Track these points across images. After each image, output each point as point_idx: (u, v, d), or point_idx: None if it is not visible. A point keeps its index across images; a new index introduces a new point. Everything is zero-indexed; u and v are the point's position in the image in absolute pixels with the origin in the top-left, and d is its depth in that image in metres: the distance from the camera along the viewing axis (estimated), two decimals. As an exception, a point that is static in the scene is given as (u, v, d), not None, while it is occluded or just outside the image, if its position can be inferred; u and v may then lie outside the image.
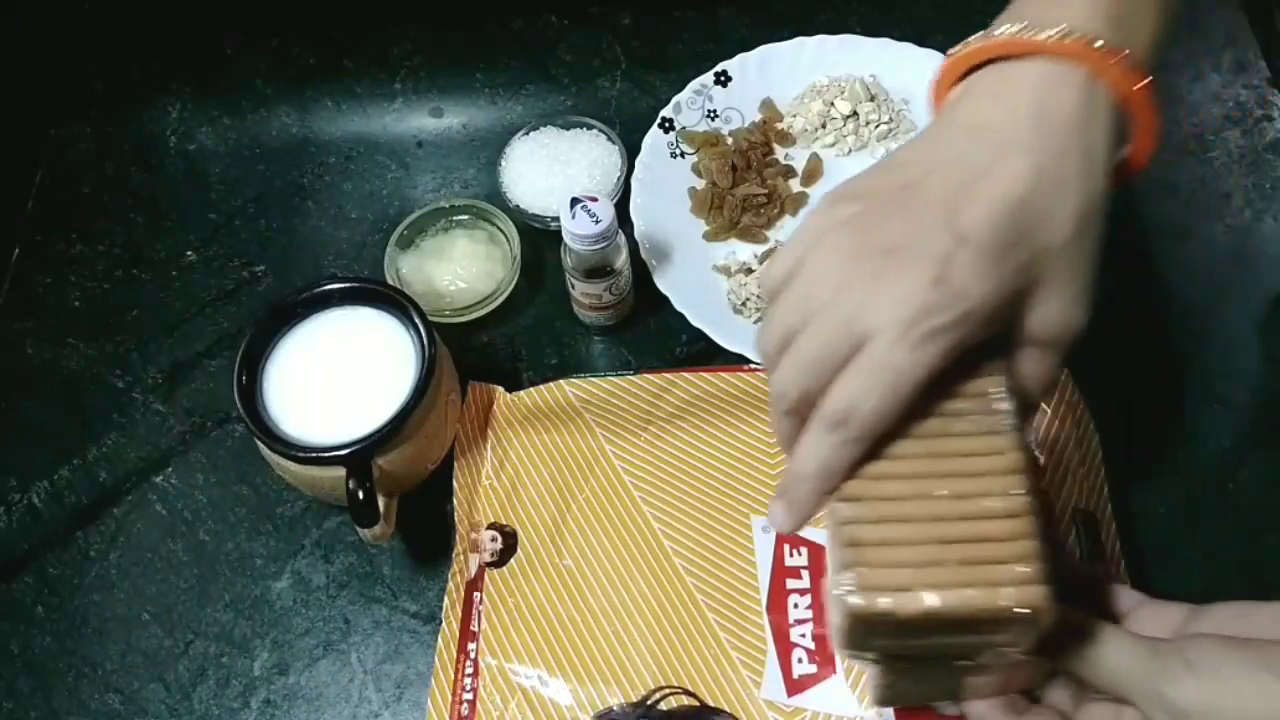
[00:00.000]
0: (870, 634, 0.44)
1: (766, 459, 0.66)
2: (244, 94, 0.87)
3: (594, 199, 0.66)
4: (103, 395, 0.74)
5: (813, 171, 0.80)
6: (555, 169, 0.78)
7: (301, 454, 0.61)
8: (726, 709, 0.60)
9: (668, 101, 0.80)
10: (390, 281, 0.73)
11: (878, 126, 0.80)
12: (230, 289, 0.78)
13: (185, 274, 0.79)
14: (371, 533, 0.61)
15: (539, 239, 0.77)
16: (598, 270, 0.69)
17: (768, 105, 0.82)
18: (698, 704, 0.60)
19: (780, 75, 0.82)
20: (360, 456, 0.60)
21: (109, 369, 0.75)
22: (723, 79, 0.82)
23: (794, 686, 0.61)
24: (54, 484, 0.71)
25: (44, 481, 0.71)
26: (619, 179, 0.78)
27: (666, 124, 0.80)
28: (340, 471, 0.60)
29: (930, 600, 0.42)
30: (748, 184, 0.77)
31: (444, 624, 0.63)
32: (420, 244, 0.76)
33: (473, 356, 0.73)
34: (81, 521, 0.70)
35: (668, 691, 0.60)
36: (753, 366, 0.70)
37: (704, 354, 0.72)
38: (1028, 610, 0.42)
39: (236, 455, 0.71)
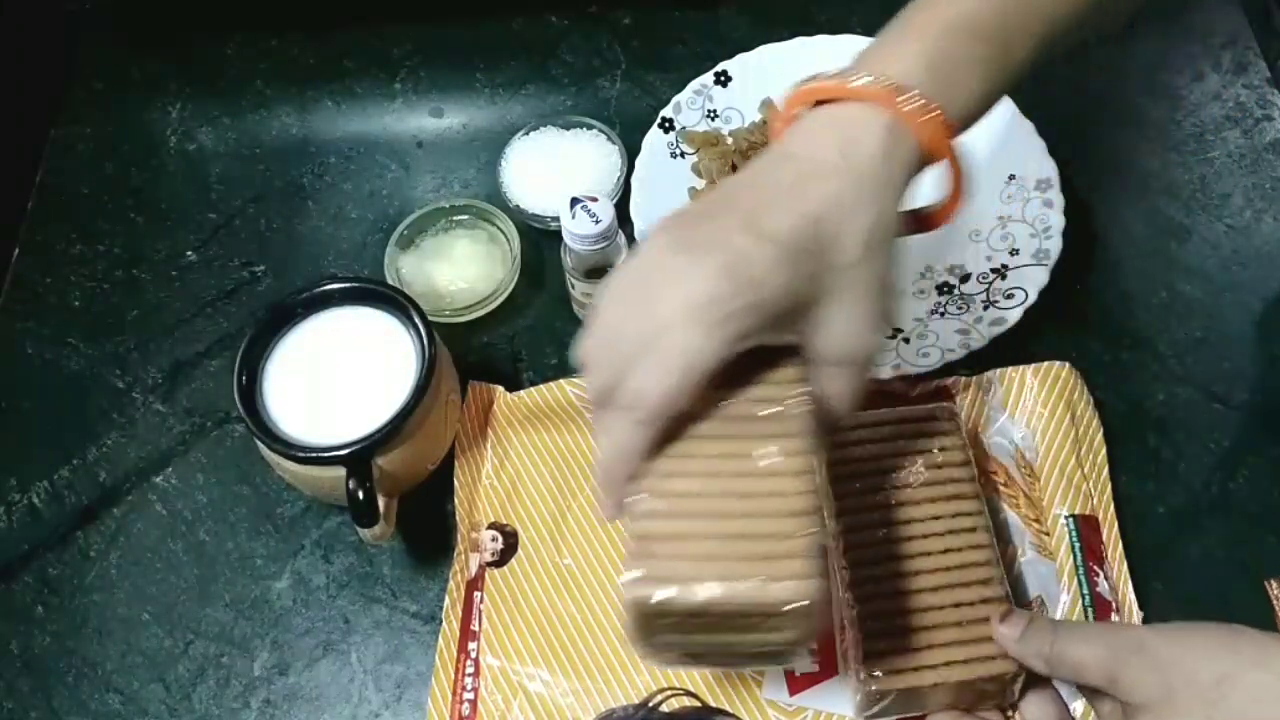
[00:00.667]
0: (654, 628, 0.46)
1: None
2: (244, 94, 0.87)
3: (594, 199, 0.66)
4: (103, 395, 0.74)
5: None
6: (555, 169, 0.78)
7: (301, 454, 0.60)
8: (728, 709, 0.60)
9: (668, 101, 0.80)
10: (390, 281, 0.73)
11: None
12: (230, 289, 0.78)
13: (185, 274, 0.79)
14: (371, 533, 0.61)
15: (539, 239, 0.77)
16: (598, 270, 0.69)
17: (768, 105, 0.82)
18: (699, 704, 0.59)
19: (780, 75, 0.82)
20: (360, 456, 0.60)
21: (109, 369, 0.75)
22: (723, 79, 0.82)
23: (796, 685, 0.61)
24: (54, 484, 0.71)
25: (44, 481, 0.71)
26: (619, 179, 0.77)
27: (666, 124, 0.80)
28: (340, 471, 0.60)
29: (705, 592, 0.44)
30: None
31: (444, 624, 0.63)
32: (420, 244, 0.76)
33: (473, 356, 0.73)
34: (81, 521, 0.70)
35: (669, 692, 0.60)
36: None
37: (704, 354, 0.72)
38: (798, 604, 0.44)
39: (236, 455, 0.71)
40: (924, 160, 0.51)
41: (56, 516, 0.70)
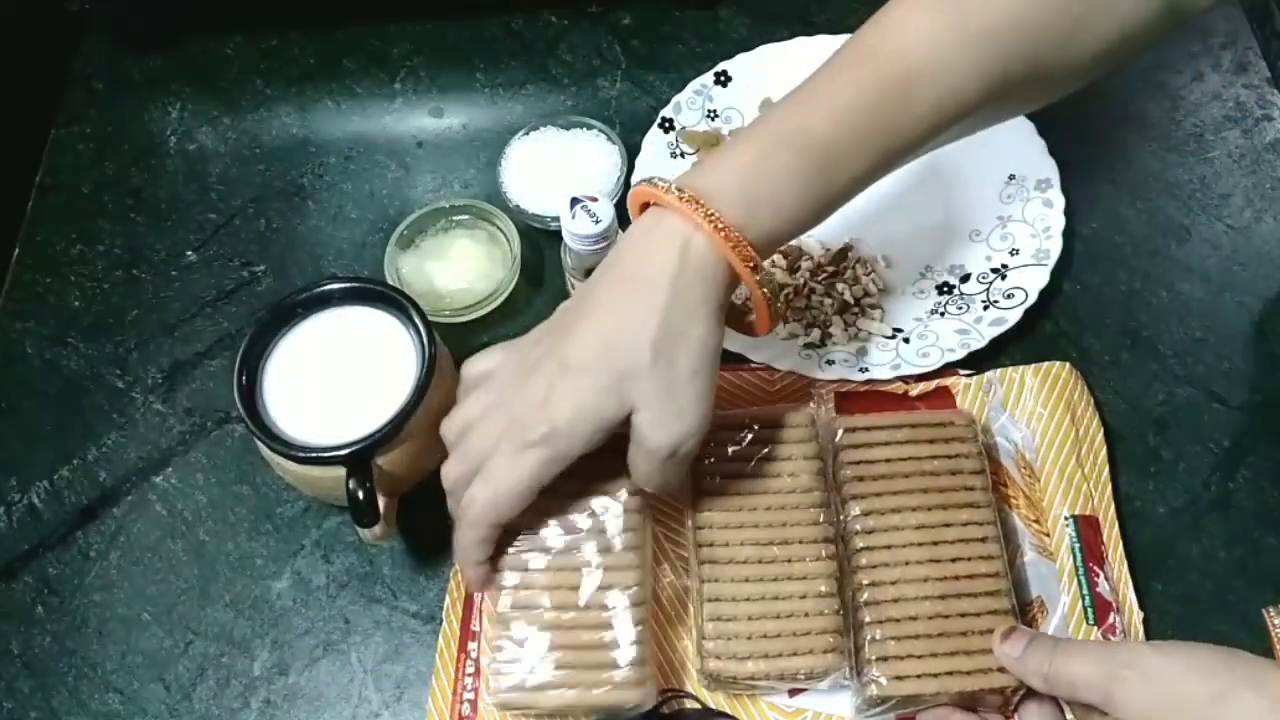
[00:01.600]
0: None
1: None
2: (244, 94, 0.87)
3: (594, 199, 0.66)
4: (103, 395, 0.74)
5: None
6: (555, 169, 0.78)
7: (301, 454, 0.60)
8: (728, 711, 0.60)
9: (668, 101, 0.80)
10: (390, 281, 0.73)
11: None
12: (230, 289, 0.78)
13: (185, 274, 0.79)
14: (371, 533, 0.61)
15: (539, 239, 0.77)
16: (598, 270, 0.69)
17: (768, 105, 0.82)
18: (700, 707, 0.60)
19: (780, 75, 0.82)
20: (360, 456, 0.60)
21: (109, 369, 0.75)
22: (723, 79, 0.82)
23: (795, 688, 0.61)
24: (54, 484, 0.71)
25: (44, 481, 0.71)
26: (619, 179, 0.77)
27: (666, 124, 0.80)
28: (340, 471, 0.60)
29: (554, 698, 0.56)
30: None
31: (445, 623, 0.63)
32: (420, 244, 0.76)
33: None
34: (81, 521, 0.70)
35: (670, 694, 0.60)
36: (753, 366, 0.70)
37: (704, 354, 0.72)
38: (635, 705, 0.56)
39: (236, 455, 0.71)
40: (726, 272, 0.53)
41: (56, 516, 0.70)
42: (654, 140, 0.79)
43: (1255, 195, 0.77)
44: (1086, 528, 0.64)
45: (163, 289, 0.78)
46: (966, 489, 0.61)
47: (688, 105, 0.80)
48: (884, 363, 0.70)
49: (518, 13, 0.89)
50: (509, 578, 0.58)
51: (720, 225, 0.52)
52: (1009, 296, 0.71)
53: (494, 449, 0.54)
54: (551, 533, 0.59)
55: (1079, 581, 0.62)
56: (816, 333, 0.72)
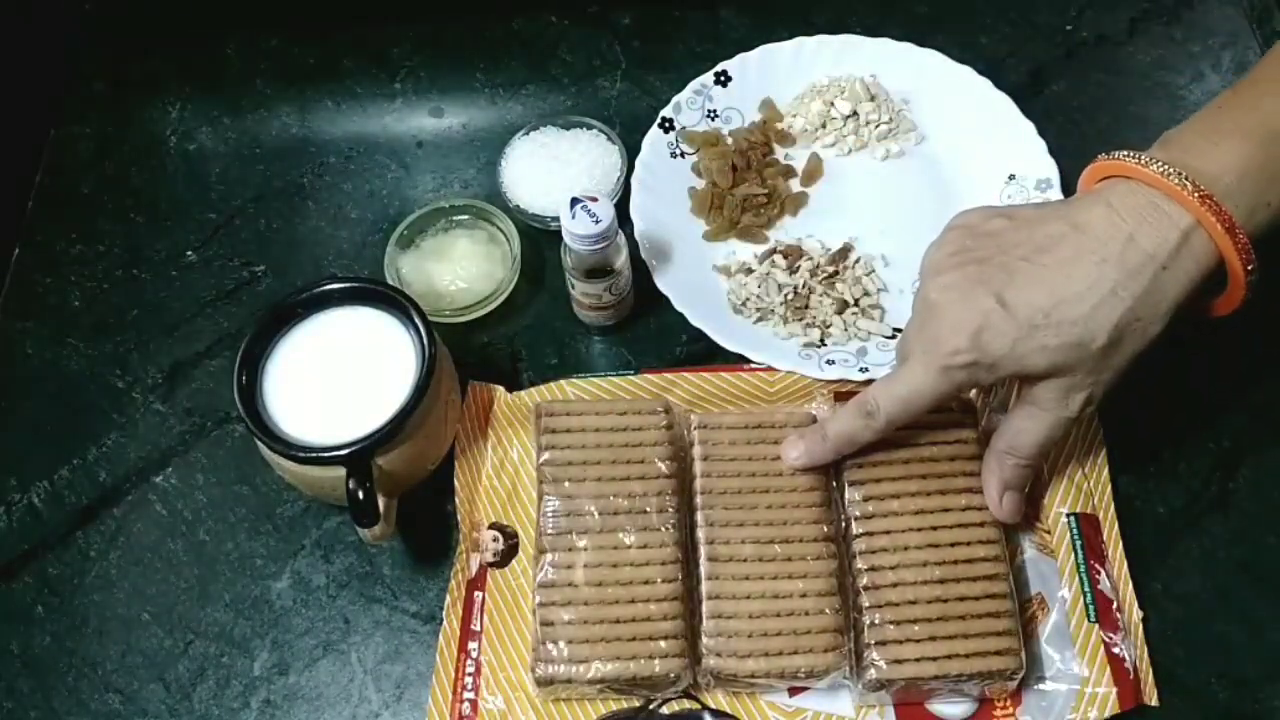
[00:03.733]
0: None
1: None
2: (244, 94, 0.87)
3: (594, 199, 0.66)
4: (103, 395, 0.74)
5: (813, 171, 0.79)
6: (555, 169, 0.78)
7: (301, 454, 0.60)
8: (728, 710, 0.60)
9: (668, 101, 0.80)
10: (390, 281, 0.73)
11: (878, 126, 0.80)
12: (230, 289, 0.78)
13: (185, 274, 0.79)
14: (371, 533, 0.61)
15: (539, 239, 0.77)
16: (598, 270, 0.69)
17: (768, 105, 0.82)
18: (699, 706, 0.60)
19: (780, 75, 0.82)
20: (360, 456, 0.60)
21: (109, 369, 0.75)
22: (723, 79, 0.81)
23: (795, 687, 0.61)
24: (54, 484, 0.71)
25: (44, 481, 0.71)
26: (619, 179, 0.77)
27: (666, 124, 0.80)
28: (340, 471, 0.60)
29: (599, 670, 0.57)
30: (748, 184, 0.77)
31: (445, 623, 0.63)
32: (420, 244, 0.76)
33: (473, 356, 0.73)
34: (81, 521, 0.70)
35: (670, 694, 0.60)
36: (753, 366, 0.70)
37: (704, 354, 0.72)
38: (675, 676, 0.58)
39: (236, 455, 0.71)
40: (1214, 270, 0.53)
41: (56, 516, 0.70)
42: (654, 140, 0.79)
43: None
44: (1087, 525, 0.64)
45: (163, 289, 0.78)
46: (965, 474, 0.61)
47: (688, 105, 0.80)
48: (884, 363, 0.70)
49: (518, 13, 0.89)
50: (552, 556, 0.60)
51: (1230, 226, 0.51)
52: None
53: (909, 352, 0.57)
54: (593, 511, 0.61)
55: (1080, 578, 0.62)
56: (816, 333, 0.72)
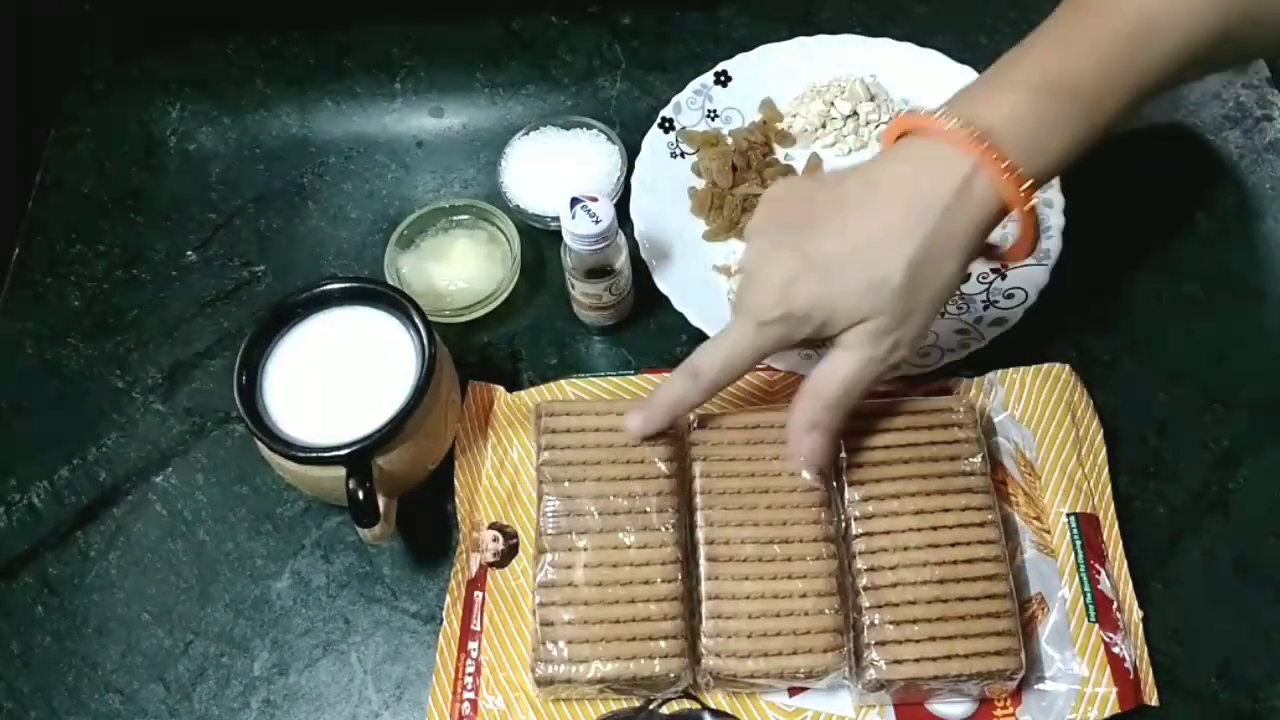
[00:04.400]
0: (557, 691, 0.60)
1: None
2: (244, 94, 0.87)
3: (594, 199, 0.66)
4: (103, 395, 0.74)
5: (813, 171, 0.79)
6: (555, 169, 0.78)
7: (301, 454, 0.60)
8: (728, 710, 0.60)
9: (668, 101, 0.80)
10: (390, 281, 0.73)
11: (877, 126, 0.80)
12: (230, 289, 0.78)
13: (185, 274, 0.79)
14: (371, 533, 0.61)
15: (539, 239, 0.77)
16: (598, 270, 0.69)
17: (768, 105, 0.82)
18: (699, 706, 0.59)
19: (780, 75, 0.82)
20: (360, 456, 0.60)
21: (109, 369, 0.75)
22: (723, 79, 0.81)
23: (795, 687, 0.61)
24: (54, 484, 0.71)
25: (44, 481, 0.71)
26: (619, 179, 0.77)
27: (666, 124, 0.80)
28: (340, 471, 0.60)
29: (600, 669, 0.57)
30: (747, 184, 0.77)
31: (445, 623, 0.63)
32: (420, 244, 0.76)
33: (473, 356, 0.73)
34: (81, 521, 0.70)
35: (670, 694, 0.60)
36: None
37: (704, 354, 0.72)
38: (675, 676, 0.58)
39: (236, 455, 0.71)
40: (999, 210, 0.55)
41: (56, 516, 0.70)
42: (654, 140, 0.79)
43: (1255, 195, 0.77)
44: (1087, 525, 0.64)
45: (163, 289, 0.78)
46: (965, 474, 0.61)
47: (688, 105, 0.80)
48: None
49: (518, 13, 0.89)
50: (552, 556, 0.60)
51: (1008, 166, 0.54)
52: (1009, 296, 0.71)
53: (734, 313, 0.59)
54: (593, 511, 0.61)
55: (1080, 578, 0.62)
56: None
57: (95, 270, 0.79)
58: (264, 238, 0.80)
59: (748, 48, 0.82)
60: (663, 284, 0.72)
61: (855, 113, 0.80)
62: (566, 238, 0.67)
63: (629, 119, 0.82)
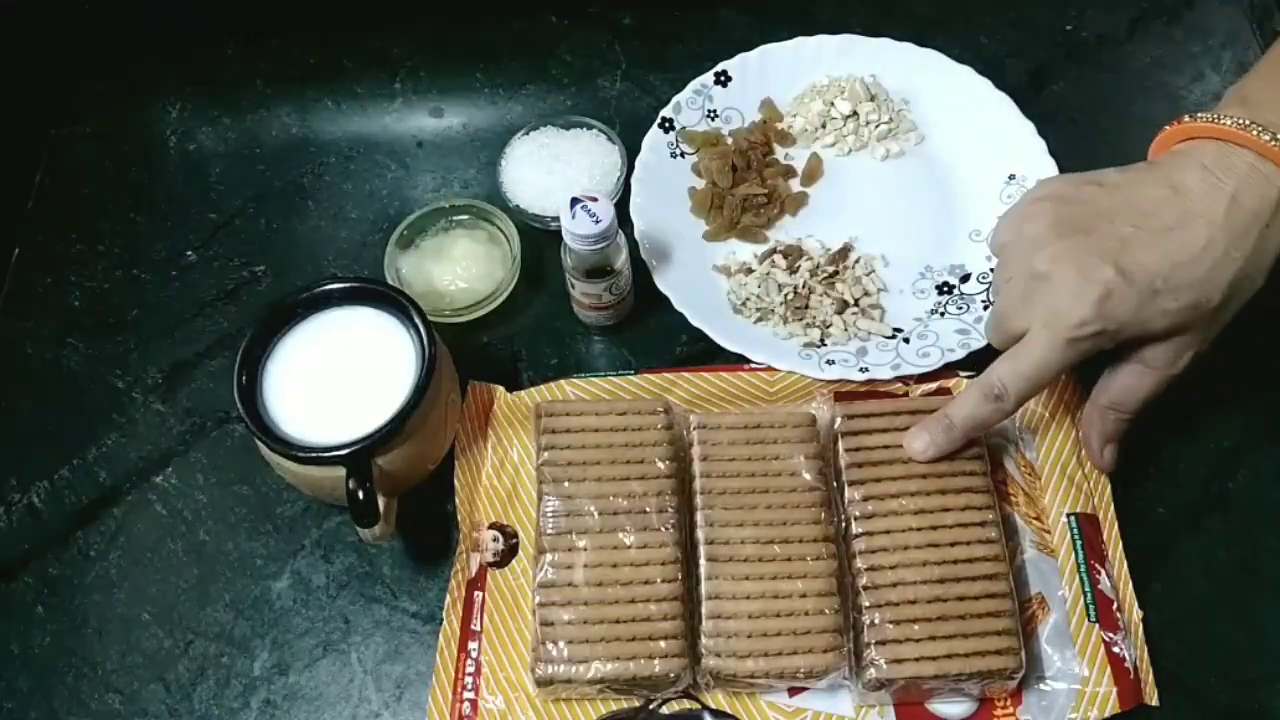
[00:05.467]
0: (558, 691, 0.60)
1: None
2: (244, 94, 0.87)
3: (594, 199, 0.66)
4: (103, 395, 0.74)
5: (813, 171, 0.79)
6: (555, 169, 0.78)
7: (301, 454, 0.60)
8: (728, 710, 0.60)
9: (668, 101, 0.80)
10: (390, 281, 0.73)
11: (878, 126, 0.80)
12: (230, 289, 0.78)
13: (185, 274, 0.79)
14: (371, 533, 0.61)
15: (539, 239, 0.77)
16: (598, 270, 0.69)
17: (768, 105, 0.82)
18: (699, 706, 0.60)
19: (780, 75, 0.82)
20: (360, 456, 0.60)
21: (109, 369, 0.75)
22: (723, 79, 0.81)
23: (795, 688, 0.61)
24: (54, 484, 0.71)
25: (44, 481, 0.71)
26: (619, 179, 0.77)
27: (666, 124, 0.80)
28: (340, 471, 0.60)
29: (600, 669, 0.57)
30: (748, 184, 0.77)
31: (445, 623, 0.63)
32: (420, 244, 0.76)
33: (473, 356, 0.73)
34: (81, 521, 0.70)
35: (670, 694, 0.60)
36: (753, 366, 0.70)
37: (704, 354, 0.72)
38: (675, 676, 0.58)
39: (236, 455, 0.71)
40: None
41: (56, 516, 0.70)
42: (654, 140, 0.79)
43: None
44: (1088, 525, 0.64)
45: (163, 289, 0.78)
46: (965, 474, 0.61)
47: (688, 105, 0.80)
48: (884, 362, 0.70)
49: (518, 13, 0.89)
50: (552, 556, 0.60)
51: None
52: None
53: (1029, 319, 0.58)
54: (593, 511, 0.61)
55: (1081, 578, 0.62)
56: (816, 333, 0.72)
57: (95, 270, 0.79)
58: (264, 238, 0.80)
59: (748, 48, 0.82)
60: (663, 284, 0.72)
61: (855, 113, 0.80)
62: (566, 238, 0.67)
63: (629, 119, 0.82)
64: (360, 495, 0.59)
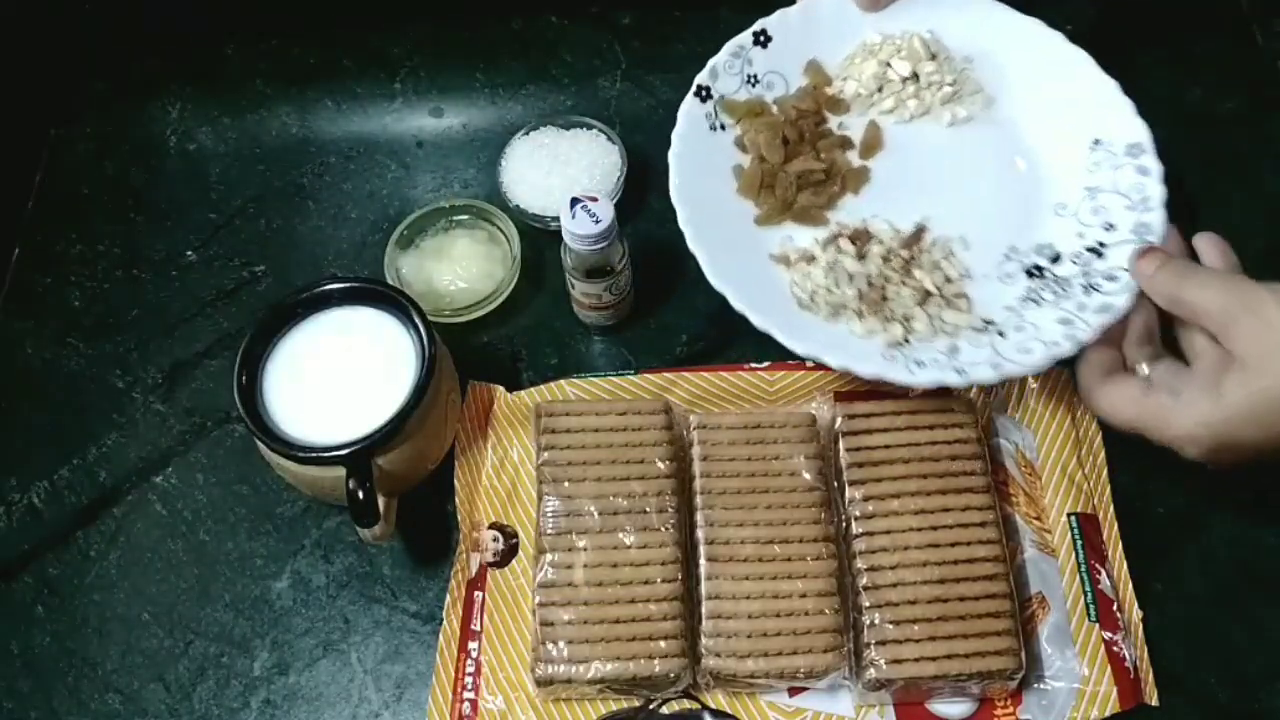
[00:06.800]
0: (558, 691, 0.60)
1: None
2: (244, 94, 0.87)
3: (594, 199, 0.66)
4: (103, 395, 0.74)
5: (872, 142, 0.71)
6: (555, 169, 0.78)
7: (301, 454, 0.60)
8: (728, 710, 0.60)
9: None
10: (390, 281, 0.73)
11: (940, 89, 0.71)
12: (230, 289, 0.78)
13: (185, 274, 0.79)
14: (371, 533, 0.61)
15: (539, 239, 0.77)
16: (598, 270, 0.69)
17: (814, 68, 0.73)
18: (699, 705, 0.60)
19: (826, 33, 0.73)
20: (360, 456, 0.60)
21: (109, 369, 0.75)
22: (762, 39, 0.72)
23: (795, 688, 0.61)
24: (54, 484, 0.71)
25: (44, 481, 0.71)
26: (619, 179, 0.77)
27: (703, 92, 0.70)
28: (340, 471, 0.60)
29: (600, 669, 0.57)
30: (803, 158, 0.69)
31: (445, 622, 0.63)
32: (420, 244, 0.76)
33: (473, 356, 0.73)
34: (81, 521, 0.70)
35: (670, 694, 0.60)
36: (753, 366, 0.70)
37: (704, 353, 0.72)
38: (675, 676, 0.58)
39: (236, 455, 0.71)
40: None
41: (56, 516, 0.70)
42: (690, 112, 0.70)
43: (1254, 195, 0.77)
44: (1088, 525, 0.64)
45: (163, 289, 0.78)
46: (966, 474, 0.61)
47: (725, 70, 0.72)
48: (981, 360, 0.62)
49: (518, 13, 0.89)
50: (552, 556, 0.60)
51: None
52: (1111, 279, 0.63)
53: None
54: (593, 511, 0.61)
55: (1081, 577, 0.62)
56: (899, 328, 0.64)
57: (95, 270, 0.79)
58: (264, 238, 0.80)
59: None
60: (716, 279, 0.63)
61: (915, 74, 0.72)
62: (566, 238, 0.67)
63: (629, 119, 0.82)
64: (360, 495, 0.59)
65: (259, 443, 0.63)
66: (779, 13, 0.72)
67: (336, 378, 0.64)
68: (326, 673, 0.64)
